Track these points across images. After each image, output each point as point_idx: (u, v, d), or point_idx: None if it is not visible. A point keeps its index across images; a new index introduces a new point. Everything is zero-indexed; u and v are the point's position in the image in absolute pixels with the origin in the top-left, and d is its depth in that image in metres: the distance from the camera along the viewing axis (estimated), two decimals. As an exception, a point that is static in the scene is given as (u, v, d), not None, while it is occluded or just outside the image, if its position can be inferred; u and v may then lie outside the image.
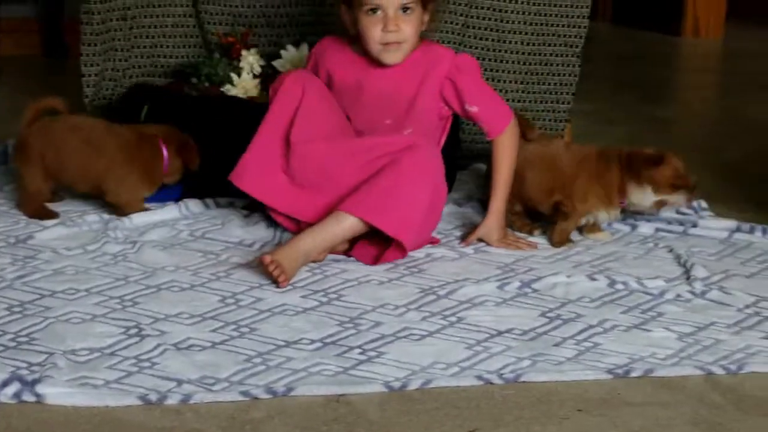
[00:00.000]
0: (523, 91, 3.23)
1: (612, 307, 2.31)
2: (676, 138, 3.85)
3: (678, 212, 2.86)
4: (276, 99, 2.58)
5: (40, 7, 4.87)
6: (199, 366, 1.97)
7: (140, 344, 2.05)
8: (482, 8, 3.17)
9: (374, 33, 2.55)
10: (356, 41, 2.63)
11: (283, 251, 2.38)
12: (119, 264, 2.45)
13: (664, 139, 3.76)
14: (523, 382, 1.97)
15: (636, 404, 1.91)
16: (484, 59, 3.15)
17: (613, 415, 1.87)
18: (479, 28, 3.18)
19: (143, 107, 2.94)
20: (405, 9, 2.55)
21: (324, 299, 2.30)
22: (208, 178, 2.80)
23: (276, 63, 3.08)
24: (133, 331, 2.11)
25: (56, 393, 1.85)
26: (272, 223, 2.67)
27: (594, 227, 2.73)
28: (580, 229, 2.75)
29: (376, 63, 2.61)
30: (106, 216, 2.73)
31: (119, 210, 2.73)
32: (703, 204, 2.95)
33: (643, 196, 2.65)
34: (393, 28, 2.54)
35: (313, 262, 2.47)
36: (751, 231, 2.77)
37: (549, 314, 2.26)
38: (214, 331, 2.13)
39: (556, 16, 3.18)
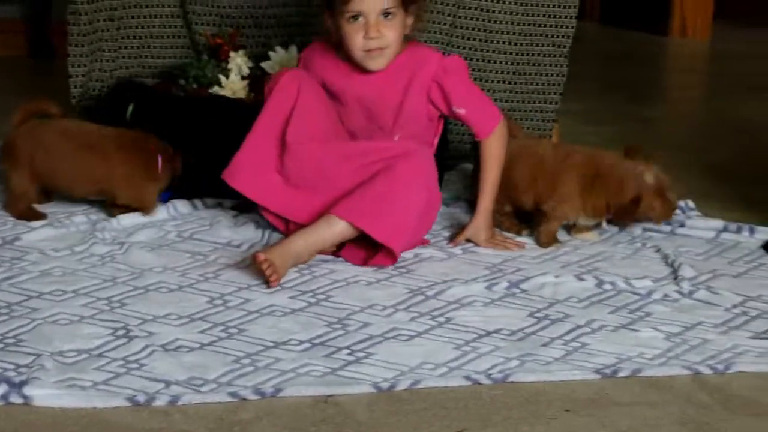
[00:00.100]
0: (510, 92, 3.23)
1: (600, 307, 2.32)
2: (663, 138, 3.86)
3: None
4: (271, 97, 2.57)
5: (27, 7, 4.86)
6: (188, 367, 1.97)
7: (128, 345, 2.04)
8: (470, 8, 3.17)
9: (356, 40, 2.54)
10: (341, 47, 2.62)
11: (275, 251, 2.38)
12: (107, 265, 2.45)
13: (652, 139, 3.77)
14: (512, 382, 1.97)
15: (624, 404, 1.91)
16: (471, 59, 3.15)
17: (600, 415, 1.87)
18: (467, 28, 3.18)
19: (128, 106, 2.92)
20: (386, 14, 2.53)
21: (312, 300, 2.30)
22: (196, 179, 2.79)
23: (264, 64, 3.08)
24: (121, 332, 2.10)
25: (44, 395, 1.84)
26: (260, 224, 2.67)
27: (581, 227, 2.73)
28: (568, 229, 2.75)
29: (361, 69, 2.60)
30: (93, 217, 2.73)
31: (138, 211, 2.71)
32: (691, 204, 2.96)
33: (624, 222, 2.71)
34: (375, 34, 2.53)
35: (302, 263, 2.47)
36: (739, 231, 2.78)
37: (537, 314, 2.27)
38: (202, 332, 2.13)
39: (544, 16, 3.18)
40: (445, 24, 3.15)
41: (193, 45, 3.19)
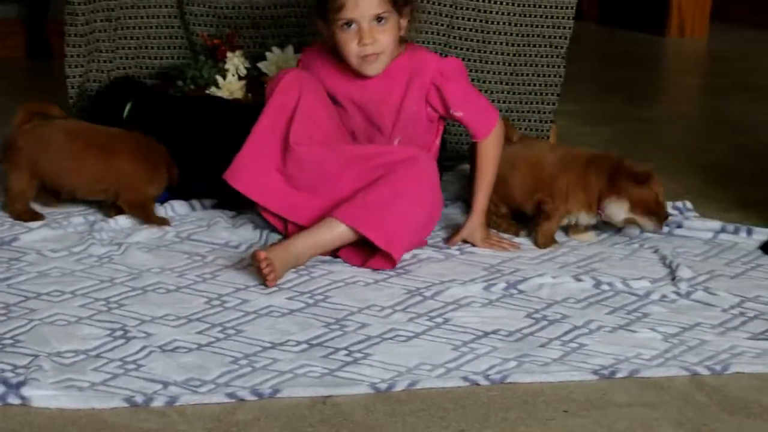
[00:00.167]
0: (507, 92, 3.23)
1: (598, 308, 2.32)
2: (660, 139, 3.86)
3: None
4: (273, 98, 2.56)
5: (24, 8, 4.85)
6: (185, 368, 1.97)
7: (126, 346, 2.04)
8: (467, 9, 3.17)
9: (351, 47, 2.53)
10: (338, 51, 2.61)
11: (276, 251, 2.38)
12: (105, 266, 2.45)
13: (650, 140, 3.77)
14: (509, 383, 1.97)
15: (621, 405, 1.91)
16: (468, 60, 3.15)
17: (598, 415, 1.87)
18: (464, 29, 3.18)
19: (126, 104, 2.91)
20: (379, 19, 2.52)
21: (310, 301, 2.30)
22: (194, 180, 2.79)
23: (261, 65, 3.08)
24: (119, 333, 2.10)
25: (41, 395, 1.84)
26: (258, 224, 2.67)
27: (579, 228, 2.73)
28: (566, 230, 2.75)
29: (358, 74, 2.60)
30: (91, 218, 2.73)
31: (138, 213, 2.71)
32: (688, 205, 2.96)
33: (617, 210, 2.64)
34: (369, 40, 2.51)
35: (300, 265, 2.47)
36: (736, 232, 2.78)
37: (535, 315, 2.27)
38: (200, 333, 2.13)
39: (541, 17, 3.18)
40: (442, 25, 3.15)
41: (191, 46, 3.19)
